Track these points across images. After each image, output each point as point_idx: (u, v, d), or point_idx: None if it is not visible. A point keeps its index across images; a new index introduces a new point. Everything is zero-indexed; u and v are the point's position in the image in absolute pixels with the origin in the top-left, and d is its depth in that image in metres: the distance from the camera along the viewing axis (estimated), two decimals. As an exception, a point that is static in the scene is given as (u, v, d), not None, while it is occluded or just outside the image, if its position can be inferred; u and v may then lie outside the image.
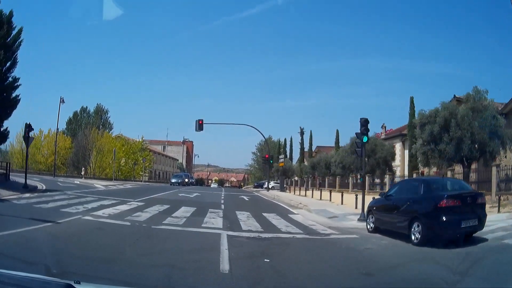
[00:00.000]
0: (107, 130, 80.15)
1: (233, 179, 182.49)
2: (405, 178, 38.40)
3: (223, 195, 32.45)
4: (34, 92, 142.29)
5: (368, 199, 17.07)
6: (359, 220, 16.76)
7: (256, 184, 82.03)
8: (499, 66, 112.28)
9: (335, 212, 19.77)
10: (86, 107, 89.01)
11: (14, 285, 2.76)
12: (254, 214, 17.64)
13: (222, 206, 21.08)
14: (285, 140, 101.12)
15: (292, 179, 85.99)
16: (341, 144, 65.38)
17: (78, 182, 39.32)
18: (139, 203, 19.50)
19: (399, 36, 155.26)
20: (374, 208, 14.39)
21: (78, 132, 74.75)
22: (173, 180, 59.81)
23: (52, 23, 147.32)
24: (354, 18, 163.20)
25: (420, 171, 31.70)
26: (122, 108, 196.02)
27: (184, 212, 16.91)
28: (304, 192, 36.78)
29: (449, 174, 27.87)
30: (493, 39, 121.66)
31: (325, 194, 31.73)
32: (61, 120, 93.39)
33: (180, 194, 29.28)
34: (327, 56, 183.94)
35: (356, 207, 21.23)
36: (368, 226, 14.37)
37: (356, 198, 21.44)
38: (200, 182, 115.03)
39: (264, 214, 18.14)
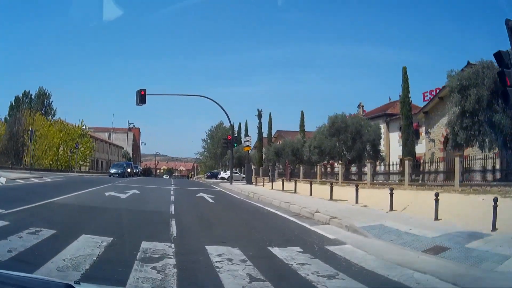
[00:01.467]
0: (50, 117, 66.82)
1: (182, 168, 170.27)
2: (394, 164, 28.28)
3: (172, 192, 21.03)
4: None
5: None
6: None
7: (209, 173, 70.05)
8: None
9: (423, 233, 8.85)
10: (29, 91, 75.92)
11: (13, 285, 2.46)
12: (256, 259, 6.53)
13: (173, 225, 9.51)
14: (239, 124, 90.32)
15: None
16: (306, 128, 56.32)
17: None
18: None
19: (351, 21, 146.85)
20: None
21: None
22: (112, 171, 47.43)
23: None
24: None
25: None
26: (70, 94, 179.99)
27: (68, 265, 5.49)
28: (286, 185, 25.67)
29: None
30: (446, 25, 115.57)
31: (318, 187, 21.36)
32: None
33: (107, 193, 17.63)
34: (274, 42, 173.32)
35: (437, 218, 10.57)
36: None
37: (437, 201, 10.74)
38: (148, 172, 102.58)
39: (278, 254, 6.97)
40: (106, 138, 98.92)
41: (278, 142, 74.11)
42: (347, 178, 32.61)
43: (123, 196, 16.96)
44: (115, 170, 46.80)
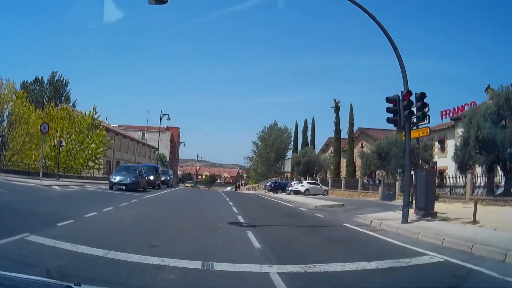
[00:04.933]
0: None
1: (226, 175, 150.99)
2: None
3: None
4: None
5: None
6: None
7: (272, 184, 48.86)
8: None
9: None
10: (41, 77, 63.48)
11: (14, 287, 2.47)
12: None
13: None
14: (305, 121, 69.04)
15: (319, 177, 53.85)
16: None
17: None
18: None
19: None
20: None
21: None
22: (115, 179, 24.96)
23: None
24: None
25: None
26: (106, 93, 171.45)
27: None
28: None
29: None
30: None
31: None
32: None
33: None
34: (321, 52, 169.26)
35: None
36: None
37: None
38: (188, 178, 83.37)
39: None
40: (139, 138, 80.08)
41: (360, 143, 53.14)
42: None
43: None
44: (121, 178, 24.76)
